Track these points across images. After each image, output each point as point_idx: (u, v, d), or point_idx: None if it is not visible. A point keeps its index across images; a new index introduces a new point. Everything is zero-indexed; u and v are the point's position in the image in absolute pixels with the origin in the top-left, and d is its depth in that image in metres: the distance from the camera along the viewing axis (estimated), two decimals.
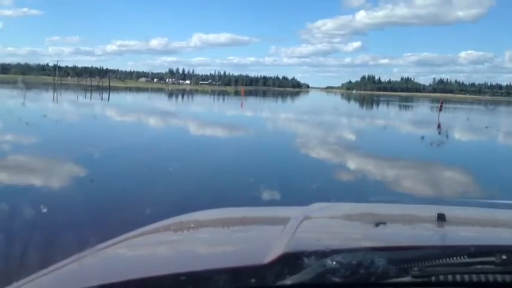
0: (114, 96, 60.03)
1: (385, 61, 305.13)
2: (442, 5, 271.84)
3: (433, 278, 0.98)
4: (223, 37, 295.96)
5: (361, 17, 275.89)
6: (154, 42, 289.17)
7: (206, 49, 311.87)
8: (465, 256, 1.01)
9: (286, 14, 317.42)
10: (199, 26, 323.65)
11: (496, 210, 1.74)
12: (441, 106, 31.80)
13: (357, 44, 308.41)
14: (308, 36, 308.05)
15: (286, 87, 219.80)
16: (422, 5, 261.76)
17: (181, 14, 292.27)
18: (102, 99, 50.01)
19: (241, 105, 45.04)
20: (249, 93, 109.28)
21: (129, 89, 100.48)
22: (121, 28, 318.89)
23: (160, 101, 57.24)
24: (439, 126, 25.96)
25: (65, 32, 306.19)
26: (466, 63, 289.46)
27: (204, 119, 28.51)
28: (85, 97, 50.88)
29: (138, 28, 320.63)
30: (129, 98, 65.32)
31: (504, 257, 0.98)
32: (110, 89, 77.08)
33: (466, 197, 8.11)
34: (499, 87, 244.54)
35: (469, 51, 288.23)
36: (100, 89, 73.46)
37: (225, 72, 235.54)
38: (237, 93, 79.53)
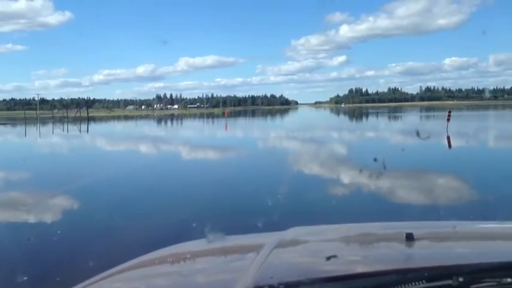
0: (92, 127, 58.30)
1: (371, 73, 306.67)
2: (422, 14, 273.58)
3: None
4: (210, 59, 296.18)
5: (344, 31, 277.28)
6: (141, 69, 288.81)
7: (193, 73, 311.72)
8: (423, 281, 1.00)
9: (270, 32, 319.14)
10: (185, 50, 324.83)
11: (471, 226, 1.76)
12: (449, 116, 27.25)
13: (342, 58, 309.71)
14: (293, 53, 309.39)
15: (275, 105, 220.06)
16: (404, 15, 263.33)
17: (167, 40, 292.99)
18: (66, 131, 48.70)
19: (226, 127, 43.71)
20: (237, 114, 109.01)
21: (113, 118, 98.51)
22: (107, 57, 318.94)
23: (138, 128, 56.28)
24: (448, 138, 22.67)
25: (51, 65, 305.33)
26: (451, 69, 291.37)
27: (179, 145, 27.41)
28: (51, 131, 49.61)
29: (124, 56, 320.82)
30: (104, 127, 62.99)
31: (461, 279, 0.99)
32: (88, 119, 75.05)
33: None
34: (489, 91, 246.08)
35: (453, 58, 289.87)
36: (77, 120, 71.24)
37: (212, 95, 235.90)
38: (224, 114, 78.94)
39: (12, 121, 75.04)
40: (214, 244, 1.68)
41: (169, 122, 72.61)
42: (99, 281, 1.39)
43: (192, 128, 53.47)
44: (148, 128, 55.46)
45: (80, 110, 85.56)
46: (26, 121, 68.45)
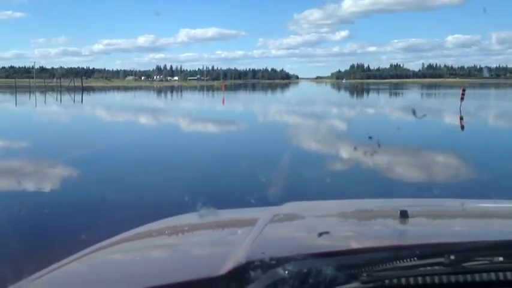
0: (85, 97, 56.54)
1: (373, 49, 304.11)
2: None
3: (380, 283, 0.98)
4: (211, 31, 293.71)
5: (348, 5, 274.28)
6: (142, 40, 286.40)
7: (194, 44, 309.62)
8: (415, 258, 1.02)
9: (272, 5, 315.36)
10: (186, 22, 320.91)
11: (466, 204, 1.74)
12: (463, 94, 24.82)
13: (344, 33, 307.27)
14: (295, 27, 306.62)
15: (276, 79, 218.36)
16: None
17: (167, 10, 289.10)
18: (57, 100, 47.66)
19: (223, 101, 42.23)
20: (236, 87, 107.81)
21: (111, 89, 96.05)
22: (107, 27, 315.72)
23: (132, 100, 55.11)
24: (461, 119, 21.44)
25: (51, 34, 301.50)
26: (454, 47, 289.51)
27: (169, 118, 26.98)
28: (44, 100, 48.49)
29: (124, 26, 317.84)
30: (98, 98, 60.91)
31: (452, 257, 0.99)
32: (83, 89, 72.76)
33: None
34: (489, 69, 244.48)
35: (456, 35, 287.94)
36: (71, 90, 68.96)
37: (213, 67, 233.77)
38: (222, 87, 77.63)
39: (3, 89, 73.62)
40: (208, 218, 1.66)
41: (164, 95, 71.49)
42: (91, 253, 1.39)
43: (188, 101, 52.74)
44: (142, 100, 54.04)
45: (74, 80, 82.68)
46: (19, 89, 67.17)
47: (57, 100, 47.97)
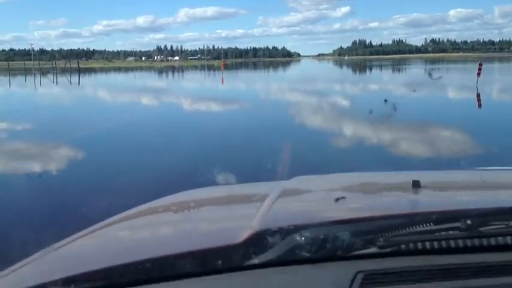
0: (79, 79, 54.01)
1: (374, 24, 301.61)
2: None
3: (397, 248, 1.00)
4: (210, 10, 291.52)
5: None
6: (141, 20, 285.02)
7: (194, 24, 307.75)
8: (431, 223, 1.02)
9: None
10: (185, 1, 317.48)
11: (477, 173, 1.75)
12: (480, 69, 22.69)
13: (345, 9, 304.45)
14: (295, 4, 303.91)
15: (277, 57, 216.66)
16: None
17: None
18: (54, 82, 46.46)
19: (222, 81, 40.98)
20: (237, 66, 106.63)
21: (109, 70, 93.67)
22: (107, 7, 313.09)
23: (127, 80, 54.18)
24: (478, 96, 20.06)
25: (50, 15, 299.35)
26: (456, 21, 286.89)
27: (162, 99, 26.19)
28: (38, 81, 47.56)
29: (124, 7, 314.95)
30: (92, 79, 58.69)
31: (469, 221, 1.00)
32: (79, 70, 70.24)
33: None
34: (492, 43, 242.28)
35: (458, 9, 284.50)
36: (67, 71, 66.83)
37: (213, 46, 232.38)
38: (224, 66, 76.08)
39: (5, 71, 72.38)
40: (217, 192, 1.68)
41: (163, 75, 70.22)
42: (104, 227, 1.41)
43: (186, 80, 51.70)
44: (139, 81, 52.57)
45: (70, 61, 79.92)
46: (14, 72, 65.97)
47: (53, 82, 47.02)
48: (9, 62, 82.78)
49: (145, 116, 17.45)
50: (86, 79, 55.52)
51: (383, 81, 39.41)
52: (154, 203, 1.62)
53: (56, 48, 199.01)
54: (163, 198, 1.66)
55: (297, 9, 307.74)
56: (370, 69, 75.42)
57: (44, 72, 64.99)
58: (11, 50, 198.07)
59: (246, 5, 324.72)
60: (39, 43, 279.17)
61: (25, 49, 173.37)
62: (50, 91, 35.76)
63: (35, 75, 58.15)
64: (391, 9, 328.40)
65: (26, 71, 69.86)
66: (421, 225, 1.02)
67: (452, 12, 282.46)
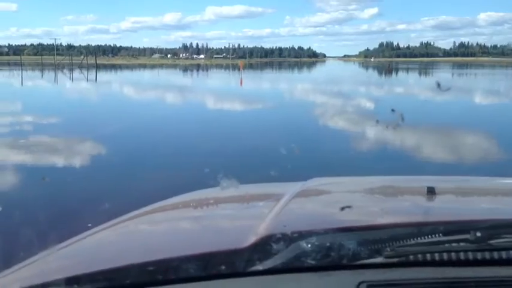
0: (99, 76, 53.99)
1: (402, 26, 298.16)
2: None
3: (404, 258, 0.99)
4: (237, 9, 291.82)
5: None
6: (168, 18, 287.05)
7: (220, 22, 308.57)
8: (440, 234, 1.01)
9: None
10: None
11: (495, 182, 1.76)
12: None
13: (373, 10, 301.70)
14: (323, 4, 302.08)
15: (302, 58, 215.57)
16: None
17: None
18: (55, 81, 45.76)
19: (241, 83, 39.08)
20: (261, 66, 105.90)
21: (131, 67, 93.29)
22: (135, 4, 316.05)
23: (142, 78, 53.32)
24: None
25: (80, 11, 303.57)
26: (486, 25, 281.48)
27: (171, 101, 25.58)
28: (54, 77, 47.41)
29: (151, 4, 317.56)
30: (105, 77, 55.96)
31: (478, 234, 0.99)
32: (97, 67, 68.99)
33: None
34: None
35: (488, 13, 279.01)
36: (84, 67, 65.79)
37: (239, 45, 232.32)
38: (250, 65, 73.66)
39: (14, 66, 72.16)
40: (233, 192, 1.66)
41: (185, 73, 69.41)
42: (115, 225, 1.42)
43: (206, 79, 50.95)
44: (155, 79, 51.15)
45: (87, 57, 77.24)
46: (31, 67, 65.79)
47: (69, 78, 46.87)
48: (32, 57, 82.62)
49: (154, 118, 16.63)
50: (101, 75, 55.27)
51: (408, 85, 38.35)
52: (165, 202, 1.62)
53: (83, 44, 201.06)
54: (175, 198, 1.65)
55: (324, 9, 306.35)
56: (396, 72, 73.75)
57: (61, 68, 64.84)
58: (39, 44, 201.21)
59: (273, 4, 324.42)
60: (67, 38, 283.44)
61: (53, 44, 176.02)
62: (64, 87, 35.59)
63: (56, 70, 58.36)
64: (420, 11, 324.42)
65: (43, 66, 69.83)
66: (429, 236, 1.00)
67: (482, 15, 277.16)
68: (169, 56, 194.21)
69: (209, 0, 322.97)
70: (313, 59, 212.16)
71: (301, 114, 17.37)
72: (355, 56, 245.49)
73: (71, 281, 0.95)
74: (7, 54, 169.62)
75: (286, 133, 12.03)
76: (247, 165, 8.12)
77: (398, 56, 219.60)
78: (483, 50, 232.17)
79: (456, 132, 12.25)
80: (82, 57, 79.92)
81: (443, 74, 63.48)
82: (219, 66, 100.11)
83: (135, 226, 1.44)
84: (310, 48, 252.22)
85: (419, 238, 1.00)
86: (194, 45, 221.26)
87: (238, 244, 1.02)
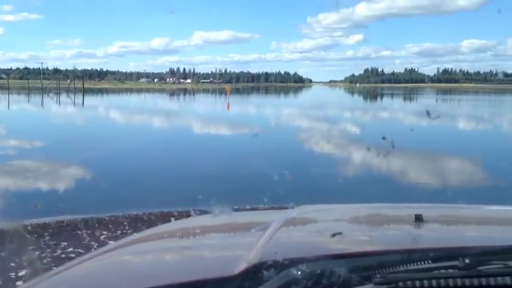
0: (86, 100, 54.20)
1: (387, 53, 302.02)
2: None
3: (394, 285, 0.99)
4: (224, 34, 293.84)
5: (362, 9, 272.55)
6: (156, 42, 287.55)
7: (207, 47, 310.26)
8: (429, 261, 1.02)
9: (286, 8, 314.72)
10: (200, 25, 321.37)
11: (482, 209, 1.79)
12: None
13: (358, 37, 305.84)
14: (309, 30, 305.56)
15: (289, 83, 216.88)
16: None
17: (181, 13, 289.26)
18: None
19: (228, 107, 39.38)
20: (247, 91, 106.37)
21: (117, 91, 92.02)
22: (122, 29, 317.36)
23: (130, 103, 53.31)
24: None
25: (66, 35, 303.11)
26: (469, 52, 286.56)
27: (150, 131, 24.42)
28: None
29: (139, 28, 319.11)
30: (92, 101, 56.70)
31: (467, 260, 0.99)
32: (84, 91, 68.68)
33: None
34: (505, 74, 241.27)
35: (471, 40, 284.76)
36: (71, 91, 65.70)
37: (226, 70, 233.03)
38: (236, 90, 74.18)
39: (1, 90, 71.40)
40: (221, 220, 1.67)
41: (170, 98, 69.37)
42: (103, 253, 1.42)
43: (191, 104, 50.99)
44: (138, 105, 49.60)
45: (74, 81, 77.92)
46: (16, 91, 65.33)
47: (56, 102, 46.70)
48: (18, 81, 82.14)
49: (140, 143, 16.40)
50: (88, 100, 55.17)
51: (393, 110, 38.66)
52: (155, 229, 1.61)
53: (70, 68, 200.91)
54: (164, 225, 1.65)
55: (310, 35, 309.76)
56: (382, 97, 74.72)
57: (47, 92, 64.63)
58: (25, 68, 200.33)
59: (260, 30, 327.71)
60: (54, 62, 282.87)
61: (39, 68, 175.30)
62: (50, 111, 35.39)
63: (42, 94, 58.05)
64: (404, 38, 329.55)
65: (30, 90, 69.46)
66: (418, 263, 1.01)
67: (465, 42, 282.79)
68: (156, 80, 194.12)
69: (197, 25, 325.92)
70: (300, 84, 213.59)
71: (288, 139, 17.45)
72: (341, 81, 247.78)
73: None
74: None
75: (274, 158, 12.05)
76: (234, 190, 8.14)
77: (383, 82, 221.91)
78: (466, 77, 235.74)
79: (443, 158, 12.51)
80: (69, 81, 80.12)
81: (429, 100, 64.34)
82: (206, 91, 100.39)
83: (124, 255, 1.42)
84: (296, 73, 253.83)
85: (408, 265, 1.00)
86: (181, 70, 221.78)
87: (230, 271, 1.01)
